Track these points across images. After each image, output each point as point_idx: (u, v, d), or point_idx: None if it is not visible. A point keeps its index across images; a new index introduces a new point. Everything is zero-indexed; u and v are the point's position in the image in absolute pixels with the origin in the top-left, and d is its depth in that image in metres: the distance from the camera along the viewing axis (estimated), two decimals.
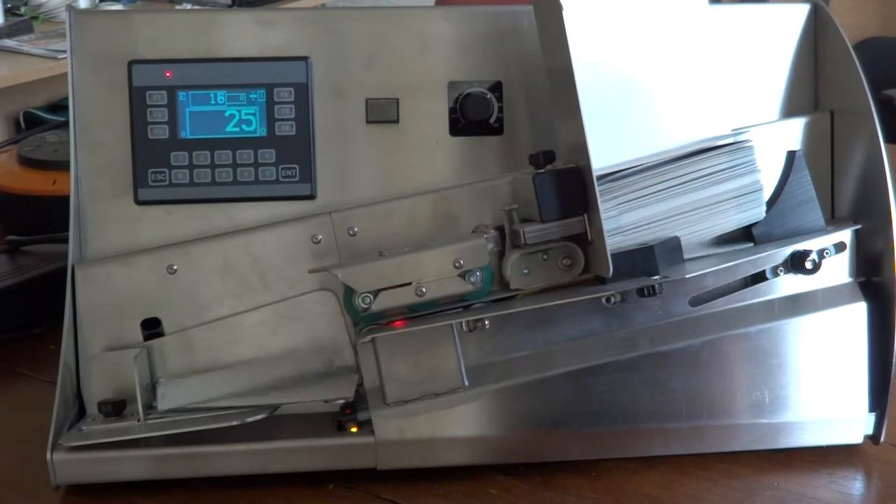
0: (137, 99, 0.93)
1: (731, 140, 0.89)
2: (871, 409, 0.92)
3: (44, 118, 3.00)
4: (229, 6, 3.35)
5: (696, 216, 0.89)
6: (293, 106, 0.94)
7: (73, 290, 0.92)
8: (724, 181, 0.89)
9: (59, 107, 3.07)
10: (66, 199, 0.93)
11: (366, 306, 0.86)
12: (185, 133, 0.93)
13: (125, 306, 0.92)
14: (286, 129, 0.94)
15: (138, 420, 0.88)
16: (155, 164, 0.93)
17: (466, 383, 0.88)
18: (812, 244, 0.91)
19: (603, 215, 0.84)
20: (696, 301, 0.91)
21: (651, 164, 0.88)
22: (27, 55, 2.99)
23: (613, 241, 0.85)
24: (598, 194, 0.84)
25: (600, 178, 0.85)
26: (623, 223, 0.87)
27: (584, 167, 0.85)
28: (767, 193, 0.91)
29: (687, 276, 0.87)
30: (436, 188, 0.94)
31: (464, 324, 0.89)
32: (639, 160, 0.87)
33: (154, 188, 0.93)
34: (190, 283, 0.92)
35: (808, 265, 0.91)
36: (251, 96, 0.93)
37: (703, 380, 0.89)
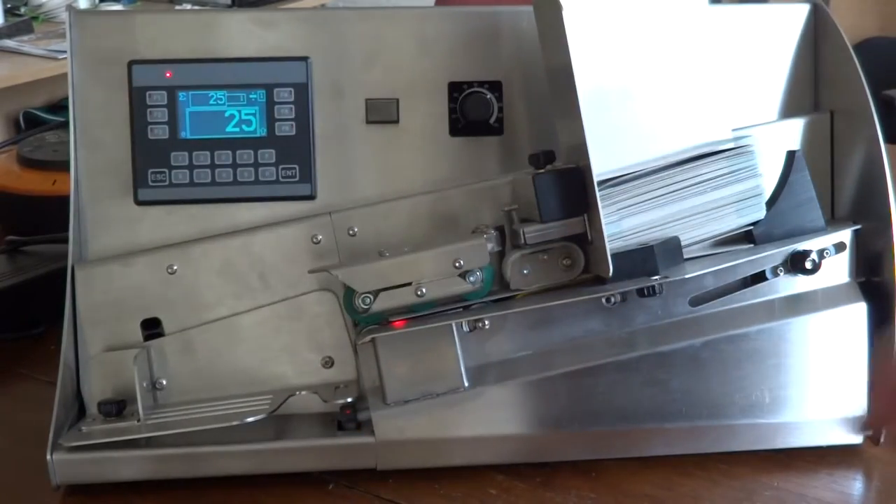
0: (137, 99, 0.93)
1: (731, 145, 0.90)
2: (871, 409, 0.92)
3: (44, 118, 3.00)
4: (229, 6, 3.35)
5: (697, 221, 0.89)
6: (293, 106, 0.94)
7: (73, 290, 0.92)
8: (725, 186, 0.89)
9: (59, 107, 3.07)
10: (66, 199, 0.93)
11: (366, 307, 0.86)
12: (185, 133, 0.93)
13: (125, 306, 0.92)
14: (286, 129, 0.94)
15: (138, 420, 0.88)
16: (155, 164, 0.93)
17: (466, 383, 0.88)
18: (812, 244, 0.91)
19: (604, 220, 0.84)
20: (696, 301, 0.91)
21: (651, 169, 0.88)
22: (27, 55, 2.99)
23: (614, 246, 0.85)
24: (598, 195, 0.84)
25: (601, 182, 0.85)
26: (624, 228, 0.87)
27: (584, 167, 0.85)
28: (767, 194, 0.91)
29: (687, 276, 0.87)
30: (436, 188, 0.94)
31: (464, 324, 0.89)
32: (639, 164, 0.87)
33: (154, 188, 0.93)
34: (190, 283, 0.92)
35: (808, 265, 0.90)
36: (251, 96, 0.93)
37: (703, 380, 0.89)
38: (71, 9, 0.97)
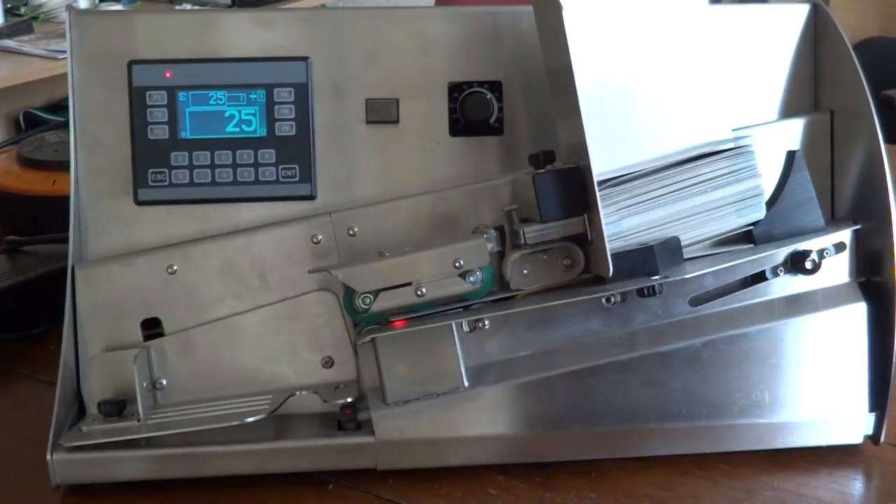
0: (137, 99, 0.93)
1: (731, 145, 0.90)
2: (871, 409, 0.91)
3: (44, 118, 3.00)
4: (229, 6, 3.35)
5: (697, 221, 0.89)
6: (293, 106, 0.94)
7: (73, 290, 0.92)
8: (725, 186, 0.89)
9: (59, 107, 3.08)
10: (66, 199, 0.93)
11: (366, 307, 0.86)
12: (185, 133, 0.93)
13: (125, 306, 0.92)
14: (286, 129, 0.94)
15: (138, 420, 0.88)
16: (155, 164, 0.93)
17: (466, 383, 0.88)
18: (812, 244, 0.91)
19: (604, 220, 0.84)
20: (696, 301, 0.91)
21: (651, 169, 0.88)
22: (27, 55, 2.99)
23: (614, 246, 0.85)
24: (598, 195, 0.84)
25: (601, 182, 0.85)
26: (624, 228, 0.87)
27: (584, 167, 0.85)
28: (767, 194, 0.91)
29: (687, 276, 0.87)
30: (436, 188, 0.94)
31: (464, 324, 0.89)
32: (639, 164, 0.87)
33: (154, 188, 0.93)
34: (190, 283, 0.92)
35: (808, 265, 0.90)
36: (251, 96, 0.93)
37: (703, 380, 0.89)
38: (71, 9, 0.97)
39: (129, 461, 0.88)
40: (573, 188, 0.86)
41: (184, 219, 0.94)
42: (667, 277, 0.86)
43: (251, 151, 0.94)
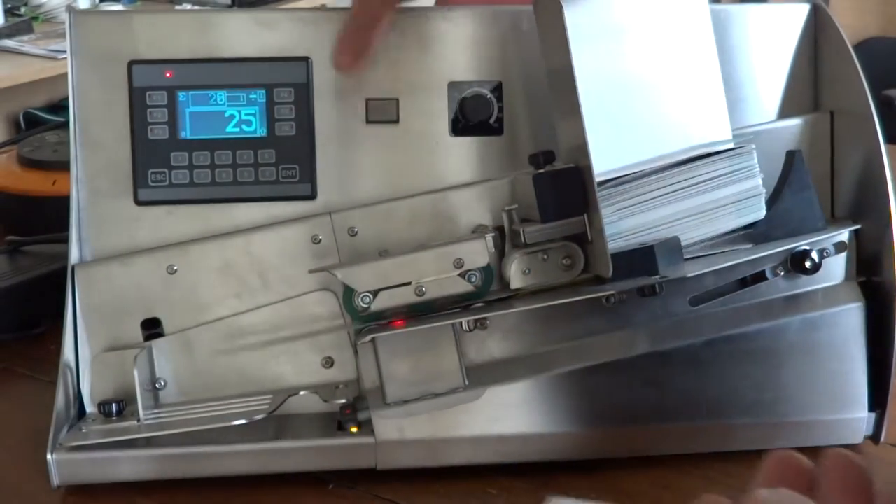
0: (137, 99, 0.93)
1: (731, 145, 0.90)
2: (871, 409, 0.91)
3: (44, 118, 3.01)
4: (229, 6, 3.35)
5: (696, 221, 0.89)
6: (293, 106, 0.94)
7: (73, 290, 0.92)
8: (725, 186, 0.89)
9: (59, 107, 3.08)
10: (66, 199, 0.93)
11: (366, 306, 0.86)
12: (185, 133, 0.93)
13: (125, 306, 0.92)
14: (286, 129, 0.94)
15: (138, 420, 0.88)
16: (155, 164, 0.93)
17: (466, 383, 0.88)
18: (812, 244, 0.91)
19: (604, 220, 0.84)
20: (696, 301, 0.91)
21: (651, 170, 0.88)
22: (27, 55, 2.99)
23: (614, 246, 0.85)
24: (597, 195, 0.84)
25: (600, 183, 0.85)
26: (623, 228, 0.87)
27: (584, 167, 0.85)
28: (767, 194, 0.91)
29: (687, 275, 0.87)
30: (436, 188, 0.94)
31: (464, 324, 0.89)
32: (639, 164, 0.87)
33: (154, 188, 0.93)
34: (190, 283, 0.92)
35: (808, 265, 0.90)
36: (251, 96, 0.93)
37: (703, 380, 0.89)
38: (71, 9, 0.97)
39: (129, 461, 0.88)
40: (573, 188, 0.86)
41: (184, 219, 0.94)
42: (666, 277, 0.86)
43: (251, 151, 0.94)
